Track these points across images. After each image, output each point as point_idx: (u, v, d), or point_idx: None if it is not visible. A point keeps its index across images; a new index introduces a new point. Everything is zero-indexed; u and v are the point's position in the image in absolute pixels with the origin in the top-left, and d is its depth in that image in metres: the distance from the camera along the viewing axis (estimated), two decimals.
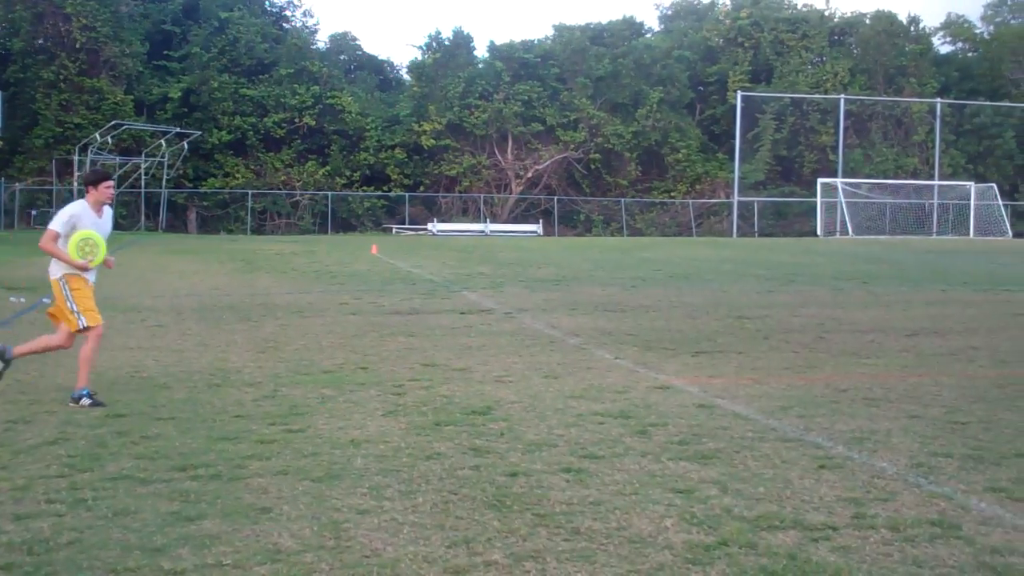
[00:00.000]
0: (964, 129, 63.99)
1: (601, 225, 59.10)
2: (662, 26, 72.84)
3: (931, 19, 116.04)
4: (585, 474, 6.51)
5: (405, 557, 5.01)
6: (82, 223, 8.85)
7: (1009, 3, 73.79)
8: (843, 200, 56.25)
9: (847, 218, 55.58)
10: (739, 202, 57.92)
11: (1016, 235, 58.85)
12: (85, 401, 8.53)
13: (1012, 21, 71.91)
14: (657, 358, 11.55)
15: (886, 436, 7.72)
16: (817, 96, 61.30)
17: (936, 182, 60.20)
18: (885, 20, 65.33)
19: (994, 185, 60.34)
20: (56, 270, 8.86)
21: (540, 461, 6.83)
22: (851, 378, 10.36)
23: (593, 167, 59.91)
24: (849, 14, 68.18)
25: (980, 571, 4.93)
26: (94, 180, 9.07)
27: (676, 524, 5.53)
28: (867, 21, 66.22)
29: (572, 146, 58.83)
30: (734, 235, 56.34)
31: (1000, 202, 59.50)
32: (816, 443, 7.47)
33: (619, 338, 13.23)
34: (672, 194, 61.08)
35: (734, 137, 58.78)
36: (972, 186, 59.47)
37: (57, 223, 8.79)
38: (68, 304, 8.77)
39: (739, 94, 59.03)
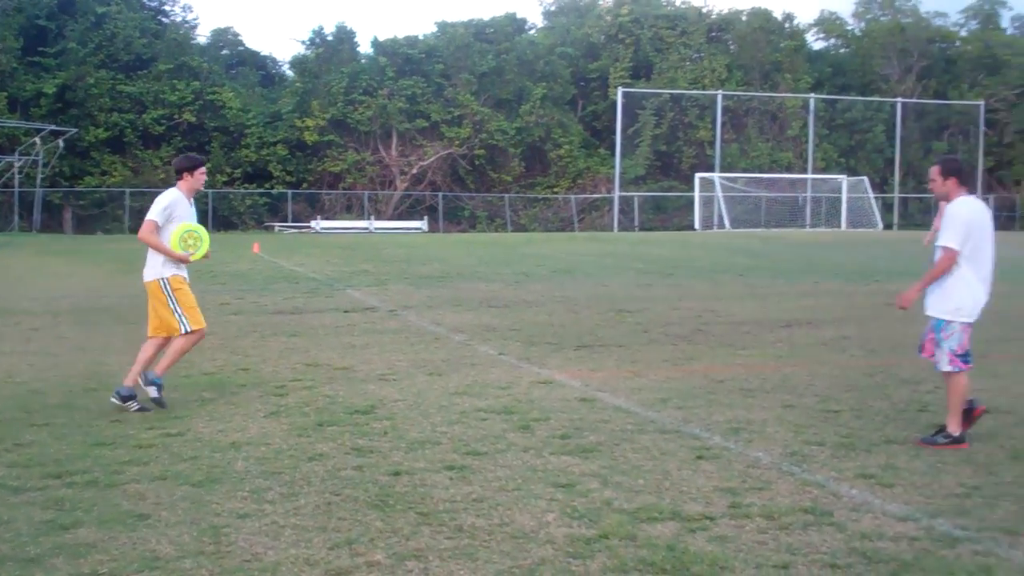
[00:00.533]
0: (836, 124, 65.83)
1: (485, 221, 59.26)
2: (545, 22, 73.28)
3: (805, 16, 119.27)
4: (468, 471, 6.54)
5: (286, 560, 4.98)
6: (178, 212, 8.54)
7: (878, 1, 76.07)
8: (720, 194, 57.37)
9: (724, 212, 56.72)
10: (620, 197, 58.64)
11: (886, 227, 60.79)
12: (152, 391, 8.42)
13: (882, 18, 74.10)
14: (540, 353, 11.65)
15: (761, 426, 7.93)
16: (695, 92, 62.37)
17: (809, 176, 61.80)
18: (761, 17, 66.85)
19: (865, 178, 62.22)
20: (154, 272, 8.51)
21: (423, 459, 6.85)
22: (728, 369, 10.60)
23: (478, 163, 60.02)
24: (726, 11, 69.67)
25: (851, 556, 5.09)
26: (189, 166, 8.72)
27: (558, 518, 5.61)
28: (743, 18, 67.71)
29: (457, 142, 58.83)
30: (615, 230, 57.02)
31: (871, 195, 61.39)
32: (694, 434, 7.63)
33: (503, 334, 13.31)
34: (555, 189, 61.54)
35: (615, 133, 59.48)
36: (844, 179, 61.20)
37: (155, 213, 8.43)
38: (172, 306, 8.44)
39: (620, 90, 59.76)
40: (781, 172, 62.25)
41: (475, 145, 59.15)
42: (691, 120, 62.70)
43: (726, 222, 56.17)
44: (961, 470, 6.69)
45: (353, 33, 61.47)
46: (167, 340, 8.62)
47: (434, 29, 63.86)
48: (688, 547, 5.17)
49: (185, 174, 8.67)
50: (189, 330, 8.49)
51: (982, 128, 66.30)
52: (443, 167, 59.60)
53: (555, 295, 18.68)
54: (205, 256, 8.81)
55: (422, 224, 56.54)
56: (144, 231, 8.42)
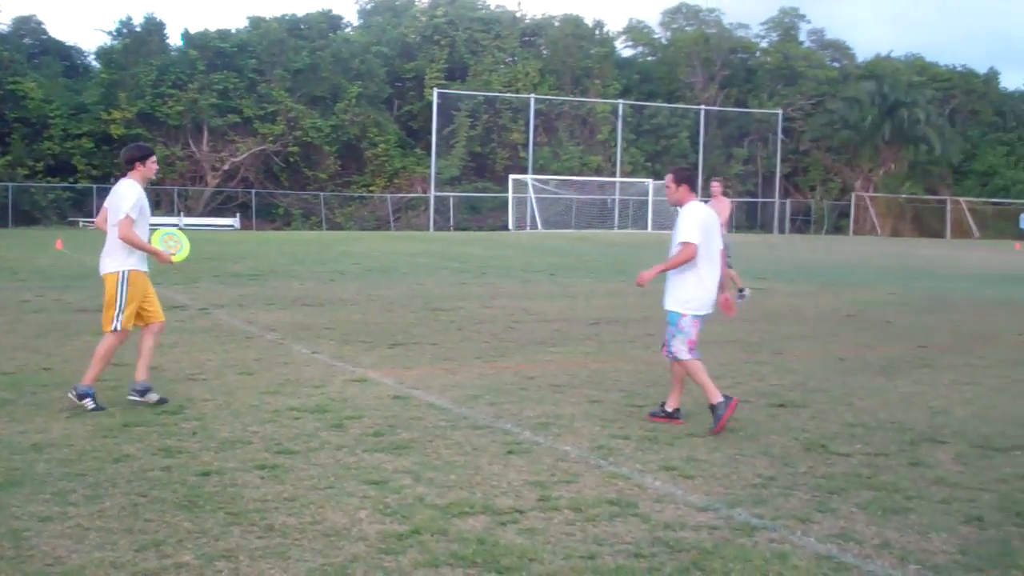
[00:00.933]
0: (643, 129, 67.62)
1: (300, 219, 58.44)
2: (361, 20, 72.74)
3: (614, 24, 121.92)
4: (280, 470, 6.49)
5: (91, 564, 4.85)
6: (145, 206, 8.23)
7: (684, 11, 78.55)
8: (533, 196, 58.19)
9: (536, 213, 57.56)
10: (436, 197, 58.79)
11: None
12: (88, 402, 8.18)
13: (687, 28, 76.50)
14: (354, 351, 11.62)
15: (570, 420, 8.13)
16: (509, 95, 63.08)
17: (618, 179, 63.33)
18: (572, 23, 68.06)
19: None
20: (117, 263, 8.25)
21: (234, 459, 6.75)
22: (538, 366, 10.81)
23: (292, 160, 59.13)
24: (539, 16, 70.63)
25: (654, 545, 5.28)
26: (141, 156, 8.45)
27: (370, 515, 5.63)
28: (556, 23, 68.77)
29: (270, 139, 57.82)
30: (431, 229, 57.14)
31: None
32: (505, 429, 7.77)
33: (317, 332, 13.20)
34: (371, 188, 61.21)
35: (431, 133, 59.59)
36: (650, 183, 62.94)
37: (128, 207, 8.13)
38: (119, 301, 8.23)
39: (436, 91, 59.90)
40: (591, 175, 63.58)
41: (289, 142, 58.26)
42: (505, 122, 63.37)
43: (538, 223, 57.03)
44: (758, 461, 7.01)
45: (163, 24, 59.61)
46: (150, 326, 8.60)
47: (246, 23, 62.64)
48: (498, 540, 5.27)
49: (137, 164, 8.45)
50: (119, 328, 8.30)
51: (780, 136, 69.30)
52: (256, 164, 58.48)
53: (370, 294, 18.62)
54: (184, 259, 8.74)
55: (234, 221, 55.38)
56: (124, 229, 8.13)
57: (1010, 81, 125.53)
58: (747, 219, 70.50)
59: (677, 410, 8.30)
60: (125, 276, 8.29)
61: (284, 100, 57.99)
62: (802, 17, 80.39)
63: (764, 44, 76.99)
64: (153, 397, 8.43)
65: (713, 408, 7.90)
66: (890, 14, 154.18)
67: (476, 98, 62.27)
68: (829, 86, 71.61)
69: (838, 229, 69.62)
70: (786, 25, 78.72)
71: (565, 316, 15.72)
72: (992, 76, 77.81)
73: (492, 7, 69.38)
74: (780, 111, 69.06)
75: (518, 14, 69.31)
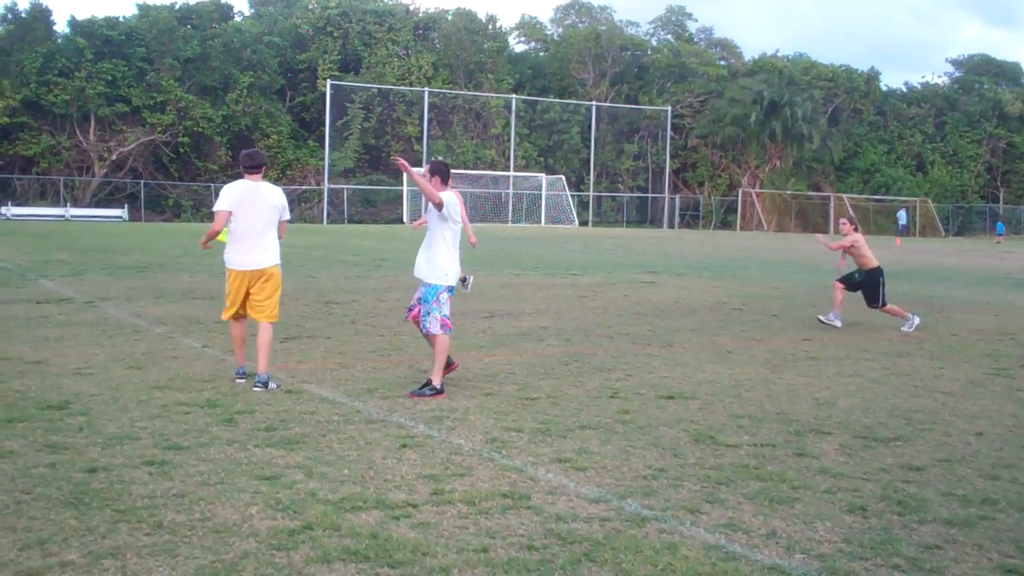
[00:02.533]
0: (536, 124, 68.04)
1: (190, 210, 57.47)
2: (252, 10, 71.74)
3: (507, 19, 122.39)
4: (169, 466, 6.39)
5: None
6: None
7: (576, 8, 79.22)
8: None
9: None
10: (330, 189, 58.33)
11: (582, 223, 63.45)
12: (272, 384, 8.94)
13: (579, 24, 77.20)
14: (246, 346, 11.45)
15: (464, 414, 8.15)
16: (403, 88, 62.85)
17: (511, 173, 63.63)
18: (465, 18, 68.17)
19: (562, 176, 64.76)
20: (276, 257, 9.13)
21: (121, 455, 6.63)
22: (432, 359, 10.79)
23: (182, 151, 58.13)
24: (432, 10, 70.49)
25: (547, 538, 5.32)
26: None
27: (261, 511, 5.57)
28: (449, 17, 68.72)
29: (159, 129, 56.72)
30: (325, 222, 56.68)
31: (568, 192, 63.95)
32: (399, 423, 7.76)
33: (207, 326, 13.02)
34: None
35: (324, 125, 59.07)
36: (543, 177, 63.39)
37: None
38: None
39: (329, 83, 59.39)
40: (485, 169, 63.75)
41: (179, 132, 57.26)
42: (399, 115, 63.16)
43: None
44: (648, 453, 7.11)
45: (49, 11, 58.07)
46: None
47: (135, 11, 61.26)
48: (391, 534, 5.27)
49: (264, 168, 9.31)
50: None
51: (669, 132, 70.32)
52: (145, 154, 57.35)
53: None
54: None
55: (122, 212, 54.22)
56: (284, 230, 9.35)
57: (890, 81, 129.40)
58: (638, 214, 71.48)
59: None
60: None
61: (174, 90, 56.94)
62: (689, 16, 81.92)
63: (654, 42, 78.08)
64: (273, 385, 8.99)
65: (431, 386, 8.79)
66: (774, 14, 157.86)
67: (370, 90, 61.95)
68: (717, 84, 72.94)
69: (726, 224, 70.97)
70: (675, 23, 80.00)
71: (458, 309, 15.69)
72: (873, 76, 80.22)
73: (386, 0, 69.02)
74: (669, 108, 70.13)
75: (412, 7, 69.25)
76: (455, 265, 9.20)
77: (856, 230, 15.29)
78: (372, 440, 7.21)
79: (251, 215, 8.98)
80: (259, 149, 9.75)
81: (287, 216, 9.29)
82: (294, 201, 59.95)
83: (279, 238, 9.24)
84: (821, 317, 15.13)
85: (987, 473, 6.86)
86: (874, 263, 15.09)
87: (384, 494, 5.94)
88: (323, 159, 59.13)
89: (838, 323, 14.85)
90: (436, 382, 8.78)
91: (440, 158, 8.30)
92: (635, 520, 5.64)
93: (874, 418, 8.43)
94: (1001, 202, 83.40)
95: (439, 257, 9.06)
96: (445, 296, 9.02)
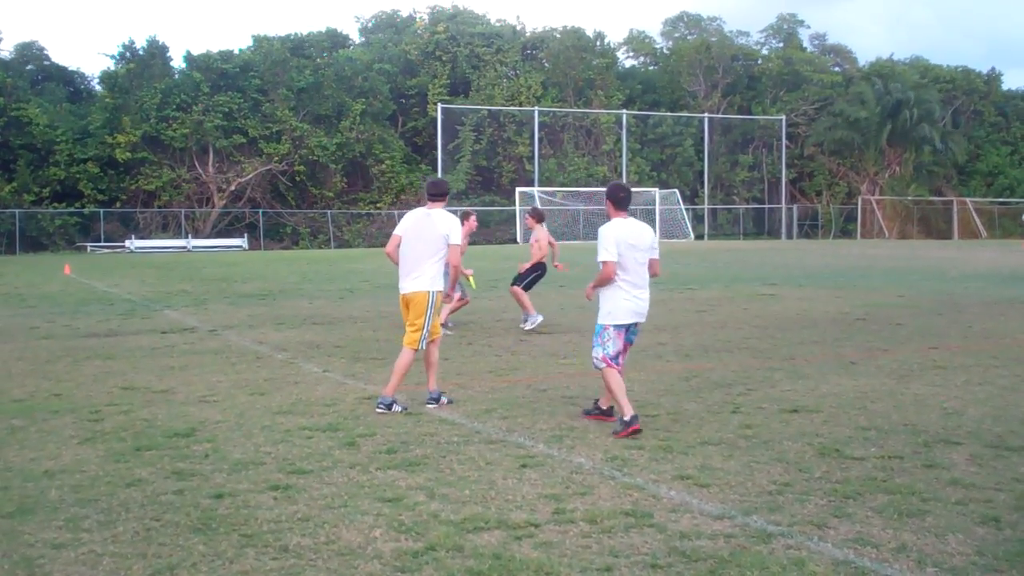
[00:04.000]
0: (648, 138, 67.73)
1: (308, 237, 58.60)
2: (363, 38, 73.08)
3: (615, 35, 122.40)
4: (293, 490, 6.47)
5: None
6: None
7: (685, 20, 78.76)
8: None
9: None
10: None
11: (697, 237, 62.85)
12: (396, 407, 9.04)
13: (688, 37, 76.74)
14: (365, 369, 11.61)
15: (583, 432, 8.10)
16: (513, 108, 63.21)
17: None
18: (573, 36, 68.23)
19: (676, 191, 64.29)
20: (433, 283, 9.13)
21: (247, 480, 6.73)
22: (551, 378, 10.78)
23: (298, 179, 59.34)
24: (540, 29, 70.79)
25: (671, 556, 5.24)
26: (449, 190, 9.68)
27: (384, 533, 5.60)
28: (557, 36, 68.91)
29: (276, 158, 58.03)
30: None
31: (682, 206, 63.46)
32: (518, 443, 7.74)
33: (327, 351, 13.20)
34: (378, 205, 61.34)
35: (436, 148, 59.73)
36: (657, 192, 62.99)
37: (460, 237, 9.28)
38: (427, 319, 9.12)
39: (439, 106, 60.06)
40: (597, 186, 63.61)
41: (295, 161, 58.48)
42: (510, 136, 63.52)
43: None
44: (773, 468, 6.97)
45: (165, 47, 59.99)
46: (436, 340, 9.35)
47: (250, 43, 62.91)
48: (514, 555, 5.24)
49: (446, 197, 9.44)
50: (423, 348, 9.14)
51: (784, 141, 69.30)
52: (263, 184, 58.69)
53: (380, 310, 18.62)
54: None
55: (242, 242, 55.54)
56: (456, 255, 9.22)
57: (1012, 81, 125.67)
58: (755, 225, 70.50)
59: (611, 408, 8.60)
60: (434, 296, 9.11)
61: (289, 119, 58.20)
62: (801, 23, 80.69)
63: (765, 51, 77.15)
64: (444, 400, 9.26)
65: (622, 420, 8.09)
66: (888, 18, 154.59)
67: (480, 112, 62.43)
68: (832, 90, 71.64)
69: (845, 233, 69.55)
70: (786, 31, 78.91)
71: (576, 327, 15.69)
72: (994, 77, 77.96)
73: (493, 22, 69.60)
74: (783, 117, 69.12)
75: (519, 28, 69.51)
76: (625, 301, 8.47)
77: None
78: (492, 460, 7.20)
79: (413, 241, 9.16)
80: (442, 179, 9.92)
81: (454, 240, 9.11)
82: None
83: (450, 263, 9.26)
84: None
85: None
86: None
87: (506, 514, 5.92)
88: None
89: None
90: (626, 415, 8.04)
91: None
92: (761, 536, 5.53)
93: (1005, 427, 8.14)
94: None
95: (606, 294, 8.49)
96: (611, 331, 8.42)
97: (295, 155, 58.41)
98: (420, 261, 9.07)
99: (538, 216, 16.09)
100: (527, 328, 15.08)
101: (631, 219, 8.55)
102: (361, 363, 12.07)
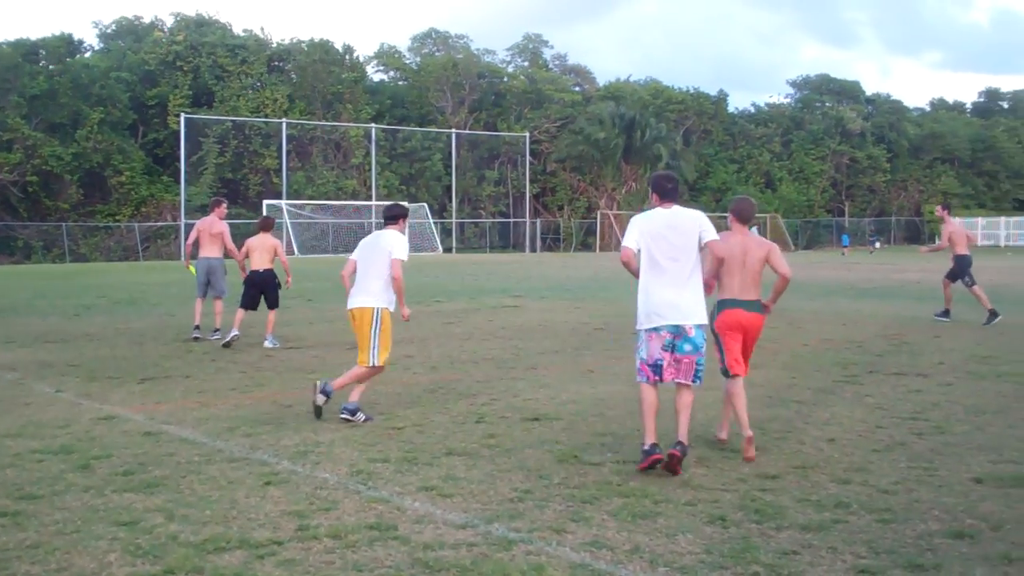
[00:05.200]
0: (397, 152, 67.98)
1: (41, 251, 55.61)
2: (102, 44, 69.97)
3: (365, 49, 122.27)
4: (22, 516, 6.18)
5: None
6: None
7: (433, 36, 79.64)
8: (288, 221, 57.46)
9: (292, 238, 56.87)
10: (186, 224, 57.13)
11: (446, 250, 63.60)
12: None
13: (437, 53, 77.57)
14: (101, 388, 11.18)
15: (329, 447, 8.09)
16: (259, 120, 62.13)
17: (373, 202, 63.34)
18: (321, 49, 67.69)
19: (425, 204, 64.80)
20: (379, 300, 9.26)
21: None
22: (296, 394, 10.69)
23: (31, 190, 56.24)
24: (287, 41, 69.78)
25: (414, 567, 5.32)
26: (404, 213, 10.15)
27: (120, 557, 5.44)
28: (304, 48, 68.20)
29: (6, 168, 54.78)
30: (182, 258, 55.51)
31: (431, 220, 64.05)
32: (262, 460, 7.66)
33: (61, 370, 12.62)
34: (117, 217, 58.96)
35: (179, 160, 57.96)
36: (406, 205, 63.27)
37: (406, 252, 9.45)
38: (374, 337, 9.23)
39: (182, 117, 58.33)
40: (347, 199, 63.39)
41: (27, 171, 55.40)
42: (256, 148, 62.38)
43: (295, 248, 56.34)
44: (514, 476, 7.18)
45: None
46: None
47: None
48: (256, 573, 5.20)
49: (401, 220, 9.81)
50: (376, 364, 9.22)
51: (528, 157, 71.11)
52: None
53: (118, 327, 17.93)
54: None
55: None
56: (397, 268, 9.32)
57: (738, 102, 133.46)
58: (500, 239, 71.92)
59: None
60: (380, 312, 9.30)
61: (21, 127, 55.12)
62: (546, 43, 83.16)
63: (511, 69, 78.95)
64: (361, 417, 9.19)
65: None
66: (623, 40, 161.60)
67: (224, 124, 61.01)
68: (573, 109, 74.09)
69: (586, 246, 71.96)
70: (531, 51, 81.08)
71: (324, 341, 15.62)
72: (722, 99, 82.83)
73: (237, 32, 68.09)
74: (528, 134, 70.88)
75: (264, 39, 68.31)
76: (648, 302, 7.54)
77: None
78: (235, 479, 7.10)
79: (362, 262, 9.55)
80: (395, 203, 10.63)
81: (396, 255, 9.38)
82: (150, 238, 58.68)
83: (394, 278, 9.35)
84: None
85: (839, 478, 7.12)
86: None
87: (248, 533, 5.86)
88: (179, 194, 57.96)
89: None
90: (645, 442, 7.38)
91: (664, 172, 6.95)
92: (502, 544, 5.68)
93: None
94: (846, 215, 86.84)
95: (637, 296, 7.64)
96: (642, 335, 7.55)
97: (27, 165, 55.34)
98: (366, 278, 9.38)
99: (265, 225, 15.65)
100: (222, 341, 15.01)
101: (675, 207, 7.65)
102: (97, 382, 11.60)
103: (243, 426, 8.96)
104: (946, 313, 18.57)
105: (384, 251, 9.39)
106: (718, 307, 8.01)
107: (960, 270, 18.48)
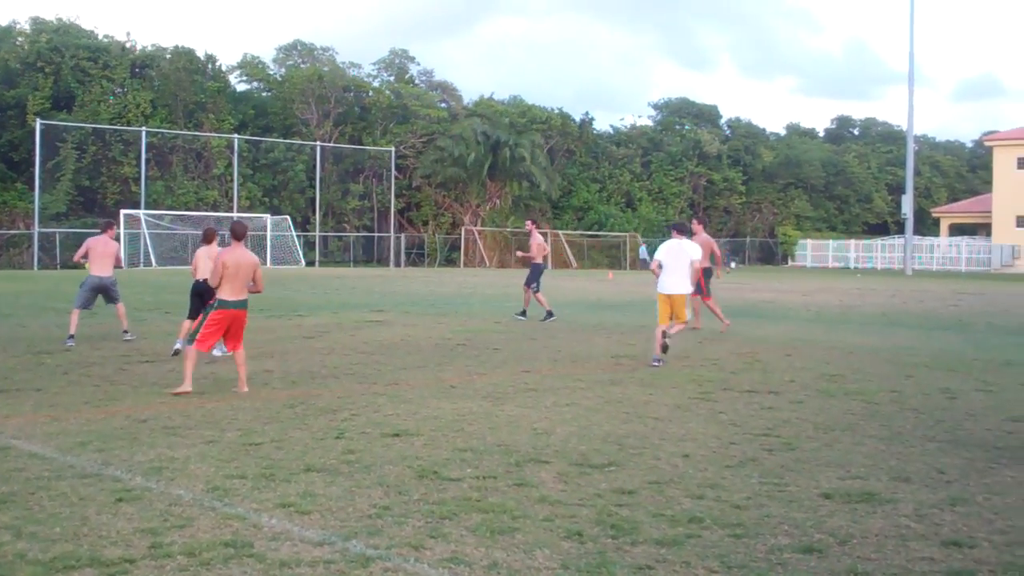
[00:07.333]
0: (260, 164, 67.00)
1: None
2: None
3: (228, 58, 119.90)
4: None
5: None
6: None
7: (299, 48, 78.83)
8: (146, 231, 56.12)
9: (151, 249, 55.56)
10: (40, 233, 55.29)
11: (309, 263, 62.95)
12: None
13: (302, 64, 76.77)
14: None
15: (184, 463, 7.97)
16: (119, 127, 60.57)
17: (235, 214, 62.32)
18: (184, 56, 66.32)
19: (288, 217, 64.04)
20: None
21: None
22: (151, 408, 10.50)
23: None
24: (150, 47, 68.17)
25: None
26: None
27: None
28: (167, 56, 66.77)
29: None
30: (36, 268, 53.68)
31: (294, 233, 63.29)
32: (115, 476, 7.51)
33: None
34: None
35: (34, 166, 56.04)
36: (268, 218, 62.44)
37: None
38: None
39: (39, 121, 56.44)
40: (207, 210, 62.16)
41: None
42: (115, 155, 60.70)
43: (152, 259, 55.05)
44: (373, 492, 7.18)
45: None
46: None
47: None
48: None
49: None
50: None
51: (393, 172, 70.93)
52: None
53: None
54: None
55: None
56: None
57: (600, 123, 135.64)
58: (364, 253, 71.51)
59: None
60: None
61: None
62: (412, 59, 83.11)
63: (376, 83, 78.67)
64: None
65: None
66: (488, 58, 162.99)
67: (84, 129, 59.27)
68: (439, 125, 74.21)
69: (450, 261, 72.06)
70: (397, 66, 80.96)
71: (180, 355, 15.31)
72: (587, 121, 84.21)
73: (100, 36, 66.24)
74: (393, 148, 70.71)
75: (127, 44, 66.60)
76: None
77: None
78: (86, 496, 6.95)
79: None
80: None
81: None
82: (1, 247, 56.53)
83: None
84: None
85: (693, 493, 7.33)
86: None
87: (99, 551, 5.75)
88: (33, 202, 55.99)
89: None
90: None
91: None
92: (360, 560, 5.68)
93: (589, 445, 8.83)
94: None
95: None
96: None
97: None
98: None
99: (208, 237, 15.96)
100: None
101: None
102: None
103: (95, 441, 8.76)
104: (524, 313, 23.18)
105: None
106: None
107: (532, 276, 23.15)
